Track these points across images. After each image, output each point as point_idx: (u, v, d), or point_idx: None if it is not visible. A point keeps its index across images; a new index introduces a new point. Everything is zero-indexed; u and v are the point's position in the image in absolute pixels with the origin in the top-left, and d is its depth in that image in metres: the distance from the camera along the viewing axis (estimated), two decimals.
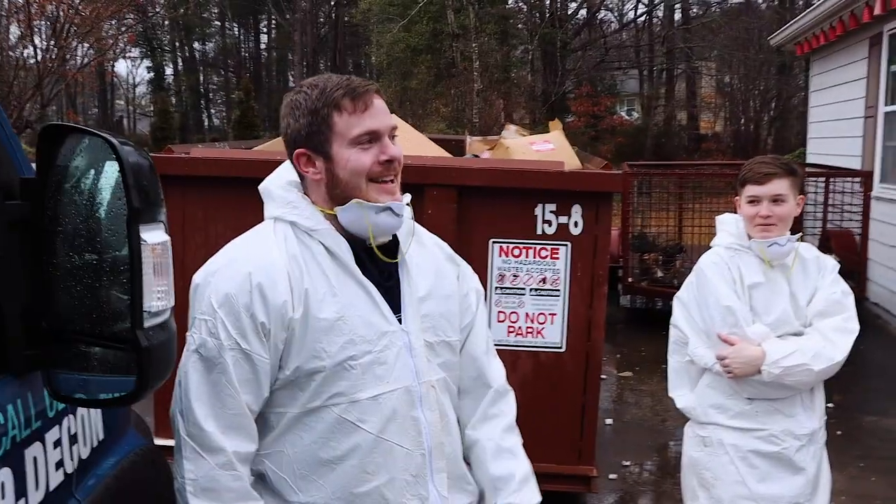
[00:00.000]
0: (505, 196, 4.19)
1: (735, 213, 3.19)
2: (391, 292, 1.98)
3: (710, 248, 3.25)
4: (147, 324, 1.51)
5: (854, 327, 3.08)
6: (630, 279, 9.64)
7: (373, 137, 1.92)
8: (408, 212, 2.01)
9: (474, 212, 4.18)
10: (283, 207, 1.97)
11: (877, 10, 9.15)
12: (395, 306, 1.97)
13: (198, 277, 1.91)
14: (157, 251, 1.53)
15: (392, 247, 2.01)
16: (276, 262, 1.88)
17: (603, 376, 5.93)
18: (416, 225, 2.10)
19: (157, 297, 1.53)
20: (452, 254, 2.20)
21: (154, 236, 1.53)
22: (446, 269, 2.13)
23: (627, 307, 10.28)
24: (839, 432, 5.66)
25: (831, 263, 3.19)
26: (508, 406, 2.22)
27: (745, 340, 3.01)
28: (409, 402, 1.95)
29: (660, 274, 9.58)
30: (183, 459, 1.85)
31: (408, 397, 1.95)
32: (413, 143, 4.90)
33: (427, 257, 2.09)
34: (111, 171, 1.54)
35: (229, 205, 3.98)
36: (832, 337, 3.02)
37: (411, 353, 1.96)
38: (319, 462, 1.91)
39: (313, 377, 1.88)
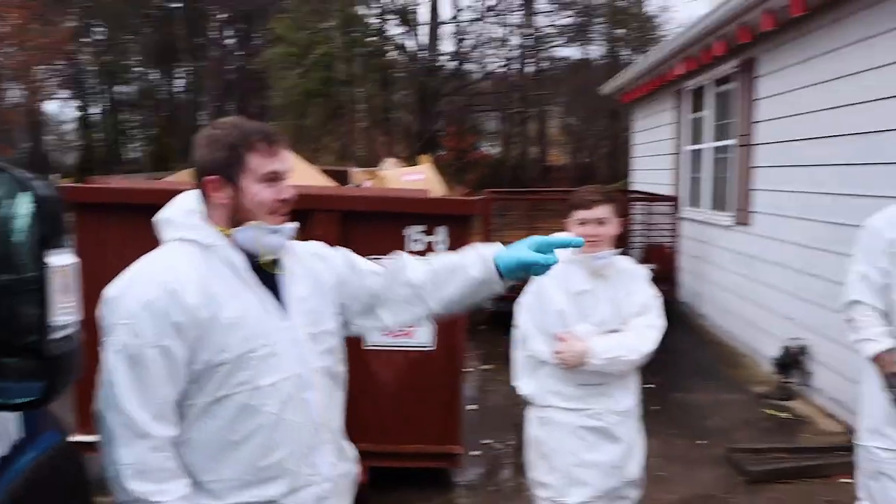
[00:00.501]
0: (381, 219, 4.21)
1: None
2: (278, 296, 2.00)
3: None
4: (54, 336, 1.48)
5: (661, 324, 3.20)
6: None
7: (276, 177, 1.95)
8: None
9: (356, 232, 4.17)
10: (186, 229, 1.96)
11: (677, 72, 9.80)
12: (282, 307, 1.99)
13: (113, 291, 1.88)
14: (63, 272, 1.50)
15: (276, 261, 2.03)
16: (186, 272, 1.88)
17: (468, 369, 6.00)
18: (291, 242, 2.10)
19: (63, 312, 1.49)
20: (318, 250, 2.18)
21: (61, 259, 1.50)
22: (318, 269, 2.12)
23: (489, 310, 10.38)
24: (658, 408, 5.88)
25: (644, 272, 3.31)
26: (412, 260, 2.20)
27: (575, 338, 3.11)
28: (300, 385, 1.97)
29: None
30: (117, 448, 1.82)
31: (299, 382, 1.97)
32: (306, 175, 4.88)
33: (302, 266, 2.09)
34: (24, 202, 1.49)
35: (141, 229, 3.83)
36: (644, 333, 3.14)
37: (298, 344, 1.98)
38: (228, 444, 1.90)
39: (218, 369, 1.88)
